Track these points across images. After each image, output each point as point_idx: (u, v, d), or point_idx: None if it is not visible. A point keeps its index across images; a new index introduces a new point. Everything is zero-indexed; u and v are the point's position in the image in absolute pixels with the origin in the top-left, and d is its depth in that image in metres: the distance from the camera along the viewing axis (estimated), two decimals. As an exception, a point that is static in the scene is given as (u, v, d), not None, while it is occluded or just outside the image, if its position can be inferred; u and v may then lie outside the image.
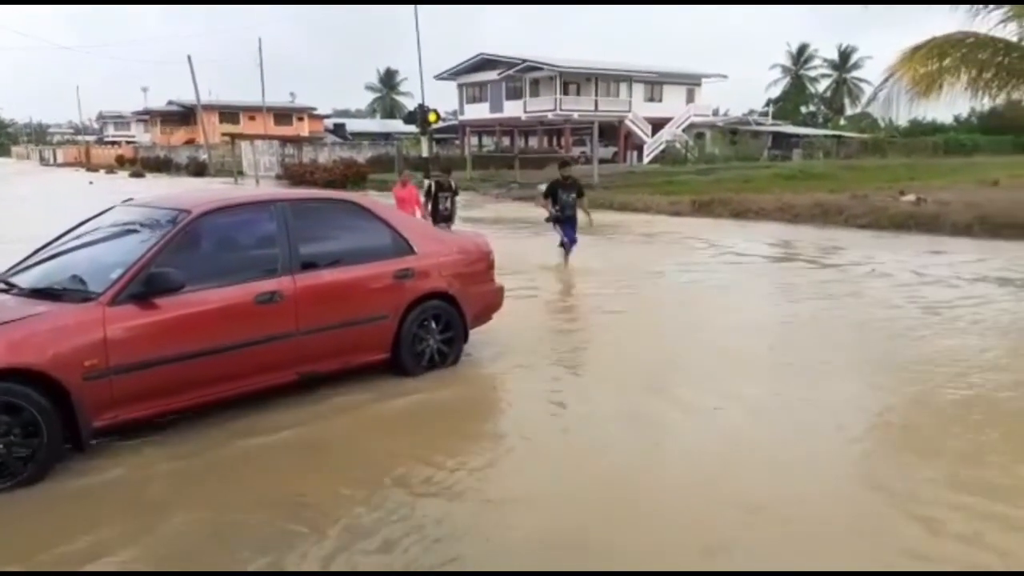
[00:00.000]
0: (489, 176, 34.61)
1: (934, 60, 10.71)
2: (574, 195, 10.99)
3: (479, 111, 49.05)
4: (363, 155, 41.49)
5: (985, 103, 12.96)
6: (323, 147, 45.09)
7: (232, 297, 4.98)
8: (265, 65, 50.42)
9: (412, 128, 26.12)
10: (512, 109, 46.35)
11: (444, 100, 63.21)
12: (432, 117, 22.27)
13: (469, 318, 6.22)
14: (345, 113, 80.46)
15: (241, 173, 41.70)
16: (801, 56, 70.78)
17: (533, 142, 49.80)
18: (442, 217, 11.52)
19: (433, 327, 6.00)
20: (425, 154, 24.63)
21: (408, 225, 6.23)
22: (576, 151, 44.37)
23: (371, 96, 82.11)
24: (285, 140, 45.78)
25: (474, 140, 51.95)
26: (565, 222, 11.01)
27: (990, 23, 10.89)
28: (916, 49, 10.75)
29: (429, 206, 11.59)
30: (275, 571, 3.33)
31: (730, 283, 10.24)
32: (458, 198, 12.18)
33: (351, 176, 32.72)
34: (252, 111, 58.49)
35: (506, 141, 49.84)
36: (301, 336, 5.22)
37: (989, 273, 10.61)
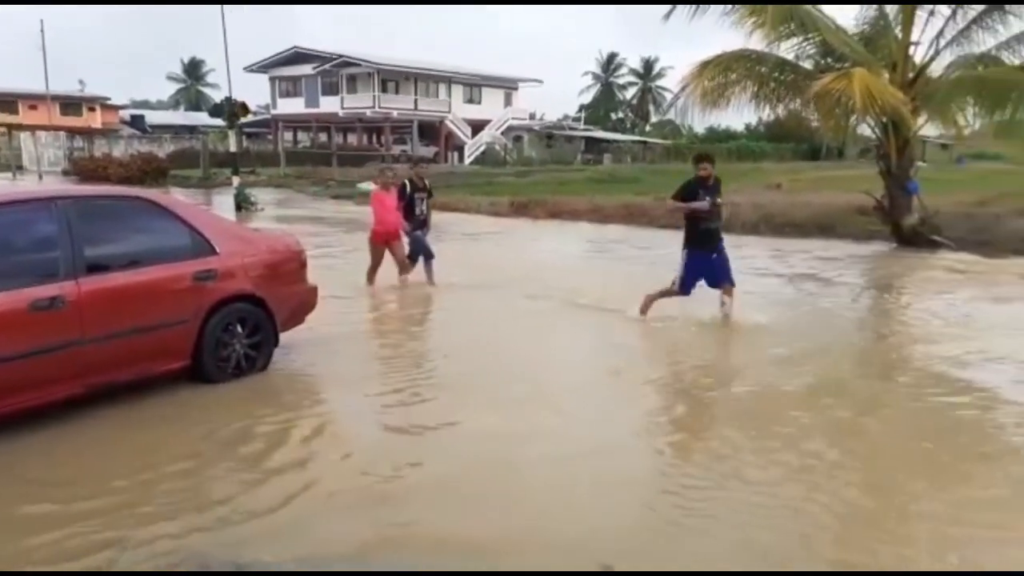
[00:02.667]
0: (305, 173, 33.55)
1: (721, 74, 11.69)
2: (719, 200, 7.58)
3: (293, 105, 47.40)
4: (165, 149, 38.70)
5: (767, 113, 14.34)
6: (119, 140, 41.62)
7: (1, 304, 4.45)
8: (50, 50, 45.69)
9: (221, 121, 24.64)
10: (329, 105, 45.22)
11: (256, 93, 60.23)
12: (242, 111, 21.20)
13: (279, 321, 5.96)
14: (144, 104, 74.48)
15: (21, 168, 37.46)
16: (610, 64, 74.59)
17: (352, 139, 48.85)
18: (418, 223, 9.49)
19: (239, 331, 5.70)
20: (233, 149, 23.37)
21: (209, 224, 5.86)
22: (396, 150, 44.12)
23: (174, 87, 76.75)
24: (73, 132, 41.72)
25: (288, 136, 50.07)
26: (704, 243, 7.46)
27: (767, 40, 12.02)
28: (706, 63, 11.70)
29: (403, 206, 9.43)
30: (273, 571, 3.23)
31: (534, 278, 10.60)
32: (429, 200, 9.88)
33: (151, 172, 30.39)
34: (33, 99, 52.63)
35: (323, 137, 48.51)
36: (88, 344, 4.77)
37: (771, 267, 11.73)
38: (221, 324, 5.55)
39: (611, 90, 75.26)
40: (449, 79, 46.89)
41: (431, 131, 44.77)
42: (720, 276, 7.48)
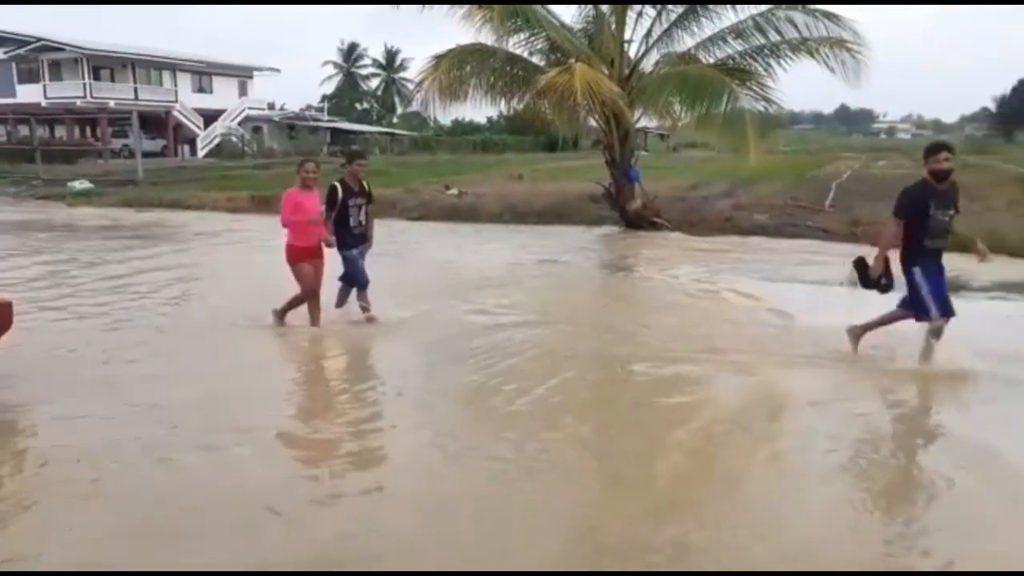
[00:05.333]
0: (2, 172, 29.13)
1: (456, 67, 11.87)
2: (951, 214, 5.67)
3: (-17, 95, 40.96)
4: None
5: (506, 107, 14.86)
6: None
7: None
8: None
9: None
10: (28, 94, 39.71)
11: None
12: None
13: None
14: None
15: None
16: (352, 54, 73.29)
17: (61, 132, 43.28)
18: (354, 236, 7.11)
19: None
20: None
21: None
22: (117, 144, 39.80)
23: None
24: None
25: (-21, 129, 43.14)
26: (932, 271, 5.65)
27: (496, 34, 12.40)
28: (440, 56, 11.80)
29: (332, 218, 7.01)
30: (274, 571, 3.17)
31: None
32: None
33: None
34: None
35: (24, 131, 42.35)
36: None
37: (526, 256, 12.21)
38: None
39: (354, 80, 74.06)
40: (174, 66, 43.19)
41: (157, 122, 40.96)
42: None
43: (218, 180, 25.27)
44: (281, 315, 7.11)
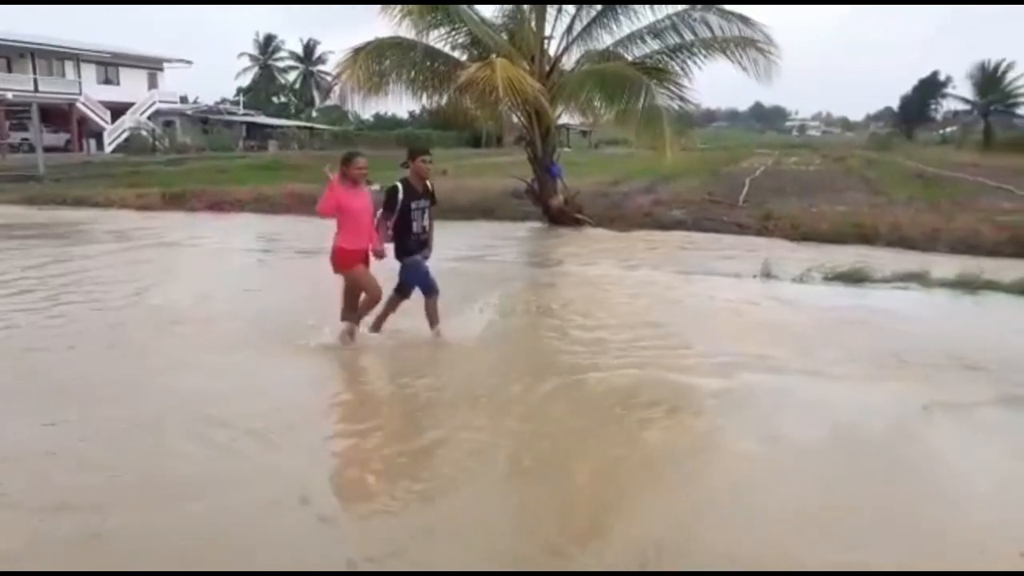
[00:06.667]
0: None
1: (376, 61, 11.68)
2: None
3: None
4: None
5: (428, 101, 14.71)
6: None
7: None
8: None
9: None
10: (-85, 84, 37.17)
11: None
12: None
13: None
14: None
15: None
16: (268, 47, 71.43)
17: (-46, 125, 40.72)
18: (417, 242, 6.34)
19: None
20: None
21: None
22: (16, 137, 37.70)
23: None
24: None
25: None
26: None
27: (417, 28, 12.27)
28: (359, 49, 11.58)
29: (389, 223, 6.25)
30: (279, 571, 3.21)
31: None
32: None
33: None
34: None
35: (-89, 124, 39.69)
36: None
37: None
38: None
39: (271, 73, 72.19)
40: (77, 56, 41.14)
41: (59, 115, 39.00)
42: None
43: (127, 176, 24.26)
44: (349, 329, 6.33)
